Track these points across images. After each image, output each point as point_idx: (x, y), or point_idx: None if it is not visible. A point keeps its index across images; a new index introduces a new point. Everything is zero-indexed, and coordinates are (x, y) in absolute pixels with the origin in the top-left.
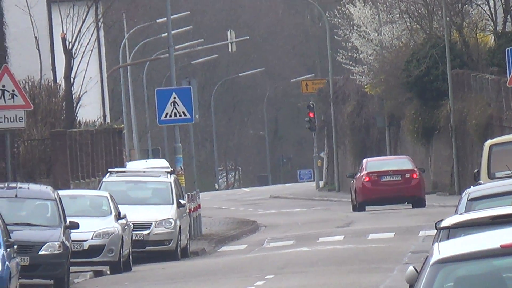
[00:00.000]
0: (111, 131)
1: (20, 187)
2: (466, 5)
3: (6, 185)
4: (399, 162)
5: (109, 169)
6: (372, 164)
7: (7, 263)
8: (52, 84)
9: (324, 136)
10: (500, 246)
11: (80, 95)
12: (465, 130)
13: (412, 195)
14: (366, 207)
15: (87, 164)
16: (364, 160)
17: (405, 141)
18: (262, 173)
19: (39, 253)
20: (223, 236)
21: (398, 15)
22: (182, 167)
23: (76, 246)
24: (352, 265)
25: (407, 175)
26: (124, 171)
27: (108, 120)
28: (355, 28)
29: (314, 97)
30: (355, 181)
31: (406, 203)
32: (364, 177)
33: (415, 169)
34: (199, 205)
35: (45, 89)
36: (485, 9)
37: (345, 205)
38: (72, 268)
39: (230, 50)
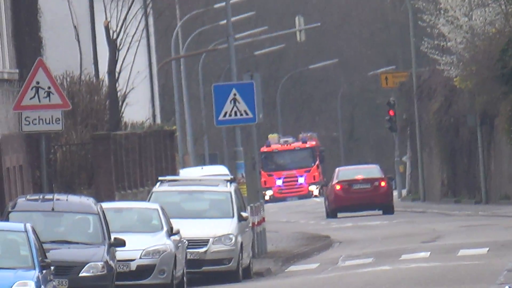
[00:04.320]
0: (162, 134)
1: (57, 199)
2: None
3: (41, 197)
4: (368, 171)
5: (159, 178)
6: (344, 173)
7: (42, 287)
8: (94, 80)
9: (406, 138)
10: None
11: (126, 93)
12: None
13: (380, 202)
14: (338, 213)
15: (134, 172)
16: (336, 169)
17: (499, 142)
18: None
19: (80, 275)
20: (291, 253)
21: None
22: (244, 175)
23: (122, 267)
24: (440, 286)
25: (376, 183)
26: (177, 180)
27: (158, 121)
28: (442, 12)
29: (395, 93)
30: (327, 189)
31: (377, 209)
32: (335, 185)
33: (384, 177)
34: (264, 218)
35: (86, 86)
36: None
37: (431, 216)
38: None
39: (298, 39)
